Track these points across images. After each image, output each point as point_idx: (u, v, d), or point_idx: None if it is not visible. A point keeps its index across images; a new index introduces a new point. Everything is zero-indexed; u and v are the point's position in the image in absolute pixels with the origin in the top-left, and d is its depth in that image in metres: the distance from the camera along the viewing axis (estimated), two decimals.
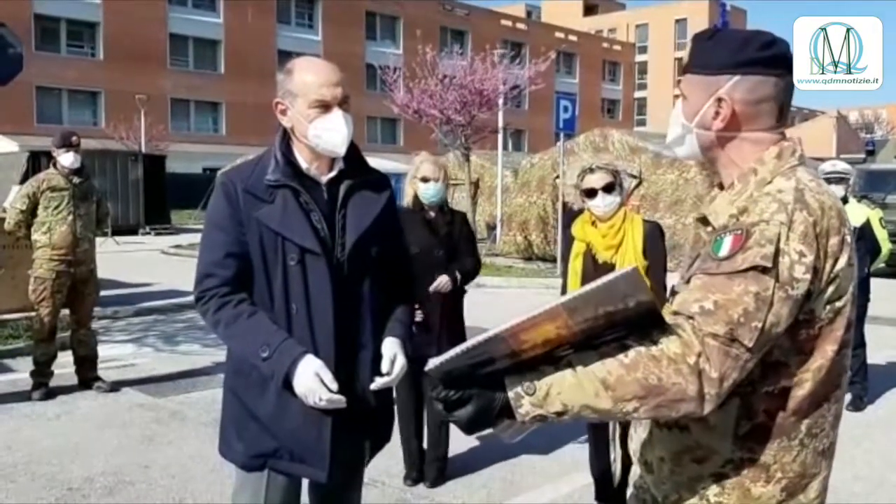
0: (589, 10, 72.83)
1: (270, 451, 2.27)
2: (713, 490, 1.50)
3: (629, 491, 1.80)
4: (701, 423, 1.48)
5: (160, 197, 25.71)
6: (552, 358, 1.40)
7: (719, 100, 1.54)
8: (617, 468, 3.77)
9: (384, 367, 2.28)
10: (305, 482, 2.43)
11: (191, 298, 2.38)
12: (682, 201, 14.43)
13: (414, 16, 48.66)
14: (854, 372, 5.73)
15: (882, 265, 6.80)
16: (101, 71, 40.11)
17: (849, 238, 1.47)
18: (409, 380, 3.85)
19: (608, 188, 3.74)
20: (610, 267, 3.60)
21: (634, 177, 14.69)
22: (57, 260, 5.99)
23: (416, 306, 3.79)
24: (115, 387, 6.27)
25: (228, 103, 44.01)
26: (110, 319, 9.51)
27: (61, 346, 6.38)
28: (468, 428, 1.41)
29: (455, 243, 4.35)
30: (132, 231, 23.28)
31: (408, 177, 4.38)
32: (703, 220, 1.59)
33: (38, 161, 17.96)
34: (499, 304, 9.08)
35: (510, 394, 1.37)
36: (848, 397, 5.63)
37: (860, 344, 5.90)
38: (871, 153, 23.02)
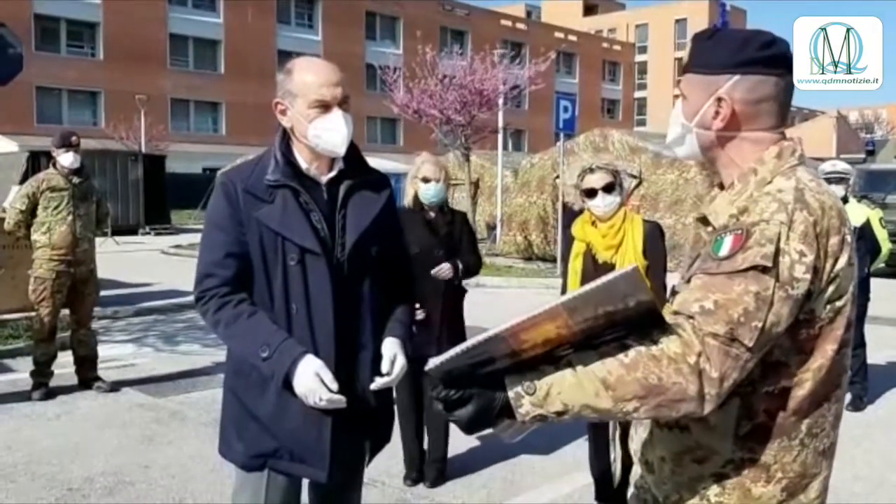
0: (589, 10, 72.84)
1: (270, 452, 2.27)
2: (714, 490, 1.50)
3: (630, 491, 1.80)
4: (701, 424, 1.48)
5: (160, 197, 25.72)
6: (552, 357, 1.40)
7: (719, 99, 1.54)
8: (617, 468, 3.77)
9: (384, 367, 2.28)
10: (305, 482, 2.43)
11: (191, 298, 2.38)
12: (682, 201, 14.43)
13: (414, 16, 48.67)
14: (854, 372, 5.73)
15: (882, 265, 6.80)
16: (101, 71, 40.11)
17: (849, 238, 1.47)
18: (410, 380, 3.85)
19: (608, 188, 3.74)
20: (610, 267, 3.60)
21: (634, 177, 14.69)
22: (57, 260, 5.99)
23: (417, 305, 3.80)
24: (115, 387, 6.27)
25: (228, 103, 44.01)
26: (110, 319, 9.51)
27: (61, 346, 6.38)
28: (468, 428, 1.41)
29: (455, 243, 4.36)
30: (132, 231, 23.29)
31: (409, 176, 4.38)
32: (703, 220, 1.59)
33: (37, 161, 17.96)
34: (499, 304, 9.08)
35: (510, 393, 1.37)
36: (848, 397, 5.63)
37: (860, 344, 5.90)
38: (871, 153, 23.03)
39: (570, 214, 9.45)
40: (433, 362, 1.38)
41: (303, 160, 2.30)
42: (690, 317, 1.38)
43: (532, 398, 1.36)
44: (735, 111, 1.53)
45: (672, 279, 1.82)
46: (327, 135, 2.23)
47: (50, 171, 6.13)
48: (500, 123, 18.07)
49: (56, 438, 5.13)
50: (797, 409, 1.47)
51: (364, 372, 2.29)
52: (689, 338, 1.36)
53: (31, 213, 5.99)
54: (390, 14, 50.21)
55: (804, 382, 1.46)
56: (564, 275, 3.96)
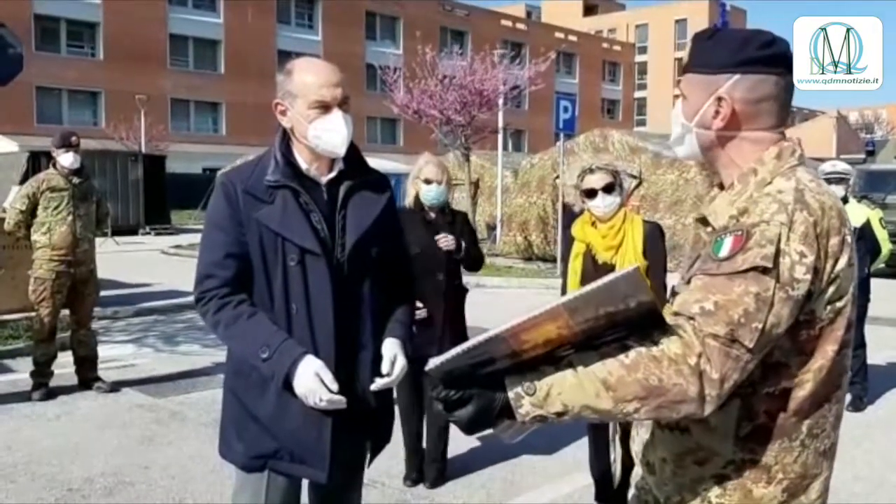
0: (589, 10, 72.85)
1: (270, 452, 2.27)
2: (715, 491, 1.50)
3: (631, 492, 1.80)
4: (702, 425, 1.48)
5: (160, 197, 25.71)
6: (553, 358, 1.40)
7: (719, 99, 1.53)
8: (617, 469, 3.77)
9: (384, 367, 2.28)
10: (305, 483, 2.43)
11: (191, 299, 2.38)
12: (682, 201, 14.43)
13: (414, 16, 48.67)
14: (854, 372, 5.73)
15: (882, 265, 6.80)
16: (101, 71, 40.12)
17: (849, 238, 1.47)
18: (410, 380, 3.85)
19: (608, 188, 3.74)
20: (610, 267, 3.60)
21: (634, 177, 14.69)
22: (57, 260, 5.98)
23: (419, 305, 3.80)
24: (115, 387, 6.27)
25: (228, 103, 44.02)
26: (110, 319, 9.51)
27: (61, 347, 6.38)
28: (468, 428, 1.41)
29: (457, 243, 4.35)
30: (132, 231, 23.28)
31: (410, 177, 4.38)
32: (703, 221, 1.59)
33: (37, 161, 17.96)
34: (499, 305, 9.08)
35: (510, 394, 1.37)
36: (848, 398, 5.62)
37: (860, 344, 5.90)
38: (871, 153, 23.06)
39: (570, 215, 9.46)
40: (433, 362, 1.38)
41: (303, 161, 2.30)
42: (691, 318, 1.38)
43: (532, 399, 1.36)
44: (735, 111, 1.53)
45: (672, 279, 1.82)
46: (327, 135, 2.23)
47: (50, 171, 6.13)
48: (500, 124, 18.07)
49: (56, 439, 5.13)
50: (798, 409, 1.46)
51: (364, 372, 2.29)
52: (689, 339, 1.36)
53: (31, 213, 5.99)
54: (390, 14, 50.21)
55: (805, 383, 1.46)
56: (564, 275, 3.96)
